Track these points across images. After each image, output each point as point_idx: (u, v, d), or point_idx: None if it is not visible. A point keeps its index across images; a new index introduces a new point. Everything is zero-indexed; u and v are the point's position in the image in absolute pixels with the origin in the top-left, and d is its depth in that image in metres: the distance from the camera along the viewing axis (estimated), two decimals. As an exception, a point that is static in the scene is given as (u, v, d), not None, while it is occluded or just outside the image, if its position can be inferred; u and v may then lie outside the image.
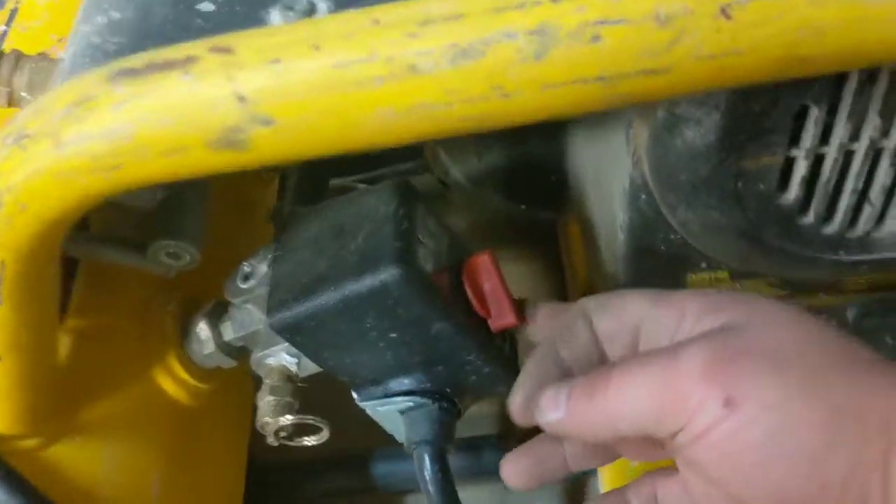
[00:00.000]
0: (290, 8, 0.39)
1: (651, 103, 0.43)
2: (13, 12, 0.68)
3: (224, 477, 0.68)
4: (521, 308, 0.49)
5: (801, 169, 0.46)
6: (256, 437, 0.55)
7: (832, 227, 0.49)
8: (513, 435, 0.87)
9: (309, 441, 0.50)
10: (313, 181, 0.60)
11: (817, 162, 0.46)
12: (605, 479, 0.71)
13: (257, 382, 0.53)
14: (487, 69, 0.31)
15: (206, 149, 0.30)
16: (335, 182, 0.70)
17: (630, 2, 0.31)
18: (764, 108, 0.43)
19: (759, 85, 0.35)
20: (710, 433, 0.35)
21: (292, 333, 0.47)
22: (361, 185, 0.73)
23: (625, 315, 0.42)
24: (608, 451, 0.46)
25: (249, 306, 0.53)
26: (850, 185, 0.47)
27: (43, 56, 0.47)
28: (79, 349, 0.54)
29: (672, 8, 0.30)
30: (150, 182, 0.31)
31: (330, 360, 0.49)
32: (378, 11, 0.32)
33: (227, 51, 0.32)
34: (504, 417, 0.91)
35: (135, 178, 0.31)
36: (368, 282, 0.44)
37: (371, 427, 0.52)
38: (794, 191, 0.47)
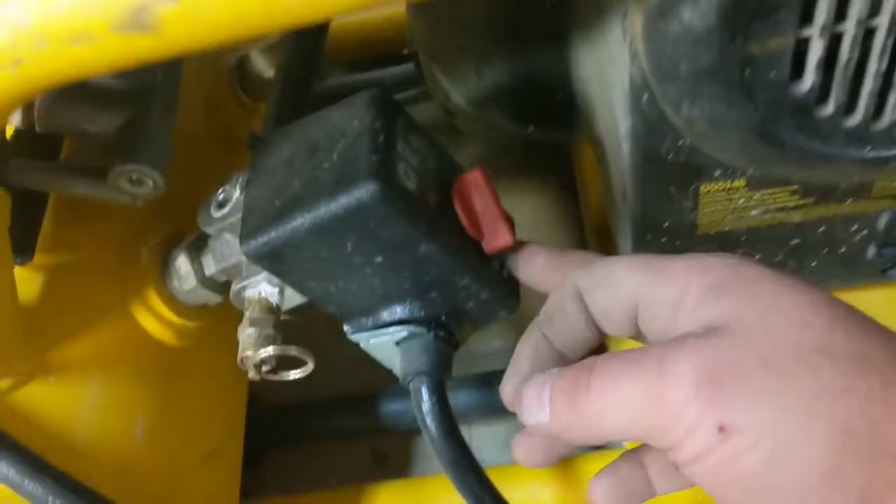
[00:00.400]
0: None
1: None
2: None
3: (220, 417, 0.66)
4: (513, 227, 0.46)
5: (815, 51, 0.41)
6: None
7: (854, 119, 0.44)
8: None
9: (294, 374, 0.48)
10: (294, 107, 0.56)
11: (834, 42, 0.41)
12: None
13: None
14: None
15: (113, 34, 0.26)
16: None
17: None
18: (770, -20, 0.38)
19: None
20: (705, 459, 0.31)
21: (270, 261, 0.45)
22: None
23: (619, 292, 0.38)
24: None
25: (227, 236, 0.50)
26: (872, 66, 0.42)
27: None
28: (49, 287, 0.52)
29: None
30: (60, 79, 0.28)
31: (314, 289, 0.47)
32: None
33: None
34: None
35: (41, 74, 0.28)
36: (344, 200, 0.41)
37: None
38: (809, 77, 0.42)
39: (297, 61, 0.60)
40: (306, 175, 0.44)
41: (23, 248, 0.52)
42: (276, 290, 0.49)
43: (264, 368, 0.48)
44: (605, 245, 0.79)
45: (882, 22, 0.40)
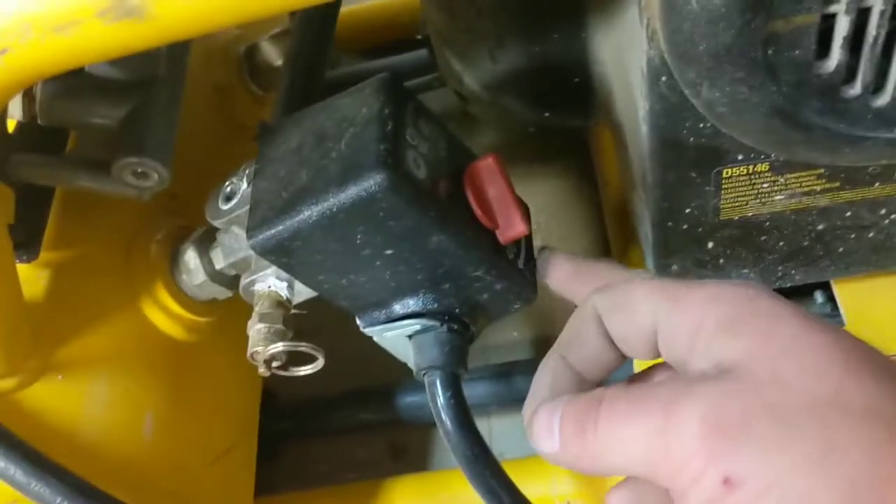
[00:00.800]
0: None
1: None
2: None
3: (232, 413, 0.66)
4: (528, 215, 0.45)
5: (842, 28, 0.39)
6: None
7: (884, 99, 0.42)
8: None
9: (304, 370, 0.47)
10: (304, 95, 0.55)
11: (861, 18, 0.39)
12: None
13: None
14: None
15: (100, 20, 0.25)
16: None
17: None
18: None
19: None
20: None
21: (277, 255, 0.44)
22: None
23: (638, 318, 0.38)
24: None
25: (236, 229, 0.49)
26: (903, 44, 0.40)
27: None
28: (56, 283, 0.51)
29: None
30: (49, 68, 0.27)
31: (324, 283, 0.45)
32: None
33: None
34: (537, 342, 0.89)
35: (28, 63, 0.27)
36: (352, 191, 0.40)
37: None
38: (835, 56, 0.41)
39: (306, 49, 0.59)
40: (314, 165, 0.43)
41: (28, 245, 0.51)
42: (286, 284, 0.48)
43: (274, 364, 0.47)
44: (623, 230, 0.77)
45: (913, -5, 0.38)
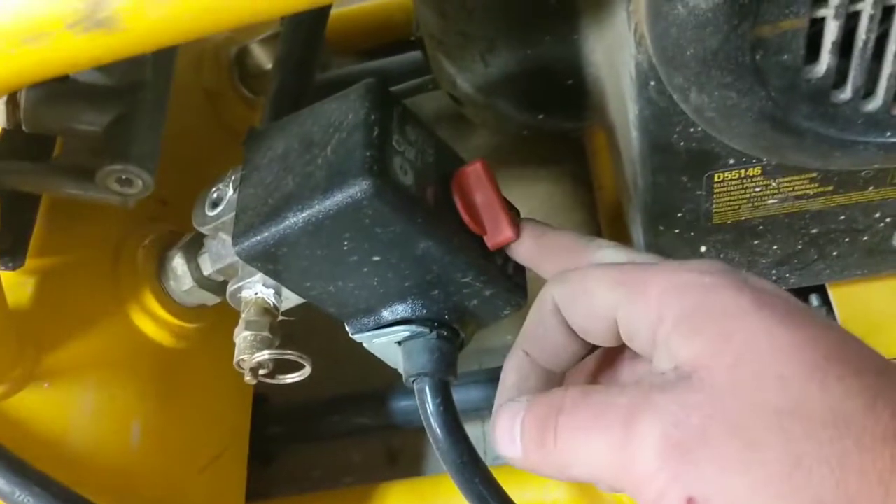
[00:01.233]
0: None
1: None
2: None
3: (222, 420, 0.65)
4: (517, 220, 0.45)
5: (831, 32, 0.39)
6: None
7: (874, 103, 0.42)
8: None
9: (291, 378, 0.46)
10: (293, 100, 0.55)
11: (850, 22, 0.39)
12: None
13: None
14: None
15: (71, 32, 0.25)
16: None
17: None
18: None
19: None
20: None
21: (263, 262, 0.43)
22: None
23: (597, 308, 0.36)
24: None
25: (223, 235, 0.48)
26: (892, 47, 0.40)
27: None
28: (42, 291, 0.51)
29: None
30: (20, 80, 0.27)
31: (312, 289, 0.45)
32: None
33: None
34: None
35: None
36: (338, 197, 0.40)
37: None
38: (824, 60, 0.40)
39: (296, 52, 0.58)
40: (300, 171, 0.42)
41: (14, 252, 0.51)
42: (273, 291, 0.47)
43: (261, 372, 0.46)
44: (618, 233, 0.77)
45: (902, -2, 0.38)
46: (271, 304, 0.47)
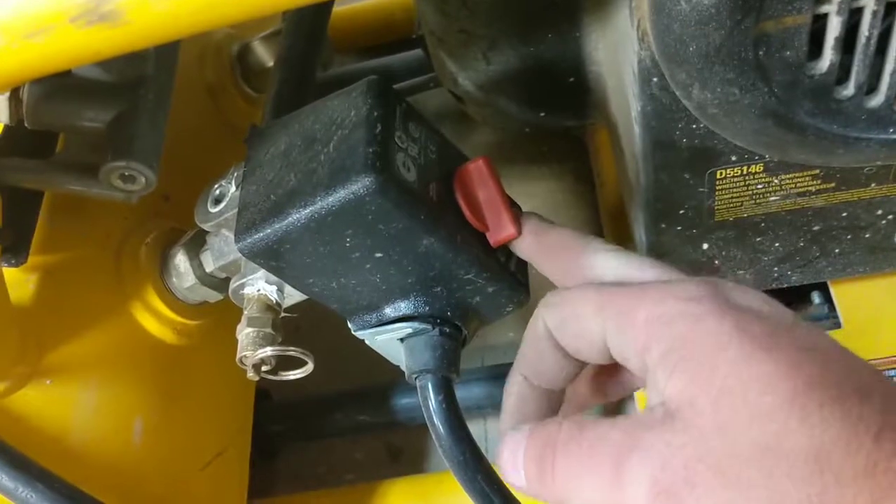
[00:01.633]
0: None
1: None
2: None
3: (224, 417, 0.65)
4: (519, 218, 0.45)
5: (834, 28, 0.39)
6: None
7: (878, 99, 0.42)
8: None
9: (293, 375, 0.46)
10: (295, 97, 0.55)
11: (853, 18, 0.39)
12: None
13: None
14: None
15: (73, 26, 0.25)
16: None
17: None
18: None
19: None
20: None
21: (266, 259, 0.43)
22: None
23: (587, 333, 0.37)
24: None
25: (225, 232, 0.49)
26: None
27: None
28: (44, 287, 0.51)
29: None
30: (22, 75, 0.27)
31: (314, 286, 0.45)
32: None
33: None
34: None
35: (2, 69, 0.27)
36: (341, 194, 0.40)
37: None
38: (827, 57, 0.40)
39: (297, 49, 0.58)
40: (302, 168, 0.42)
41: (17, 249, 0.51)
42: (275, 287, 0.47)
43: (263, 369, 0.46)
44: (620, 231, 0.77)
45: (905, -6, 0.38)
46: (274, 301, 0.47)
